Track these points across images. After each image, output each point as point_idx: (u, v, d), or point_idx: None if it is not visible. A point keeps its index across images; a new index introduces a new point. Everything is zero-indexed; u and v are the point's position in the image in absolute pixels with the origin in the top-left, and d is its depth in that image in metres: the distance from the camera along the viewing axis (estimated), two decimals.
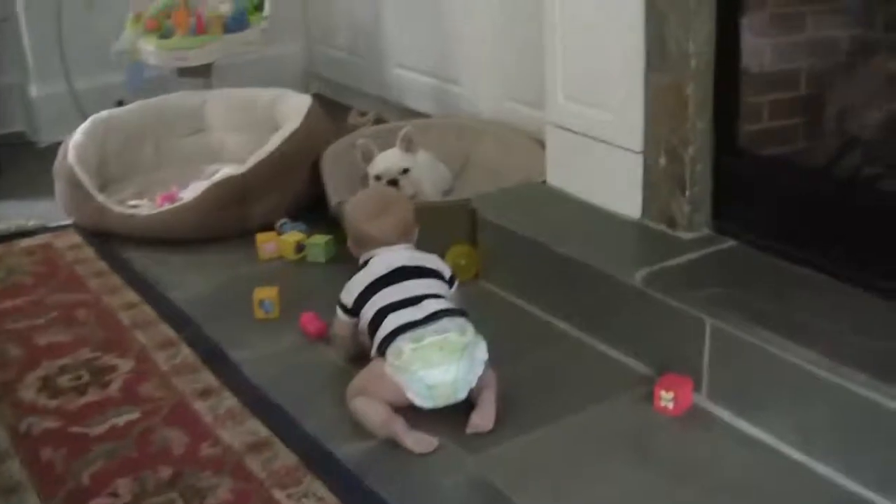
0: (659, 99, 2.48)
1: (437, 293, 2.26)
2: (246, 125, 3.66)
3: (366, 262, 2.35)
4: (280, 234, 3.14)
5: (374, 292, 2.26)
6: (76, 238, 3.25)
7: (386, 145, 3.21)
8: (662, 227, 2.56)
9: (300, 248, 3.06)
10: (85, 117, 3.60)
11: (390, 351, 2.14)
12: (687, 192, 2.48)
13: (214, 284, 2.92)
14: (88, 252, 3.15)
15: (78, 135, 3.41)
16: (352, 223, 2.41)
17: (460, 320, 2.20)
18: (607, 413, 2.23)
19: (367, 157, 3.12)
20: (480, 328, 2.25)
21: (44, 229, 3.34)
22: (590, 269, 2.47)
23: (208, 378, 2.39)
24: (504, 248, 2.77)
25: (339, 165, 3.33)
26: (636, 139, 2.57)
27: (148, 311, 2.74)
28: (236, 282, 2.92)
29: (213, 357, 2.49)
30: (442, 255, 2.81)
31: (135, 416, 2.25)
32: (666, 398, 2.21)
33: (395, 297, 2.23)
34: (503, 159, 3.36)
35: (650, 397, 2.23)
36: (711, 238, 2.49)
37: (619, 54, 2.54)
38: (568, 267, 2.54)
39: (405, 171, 3.07)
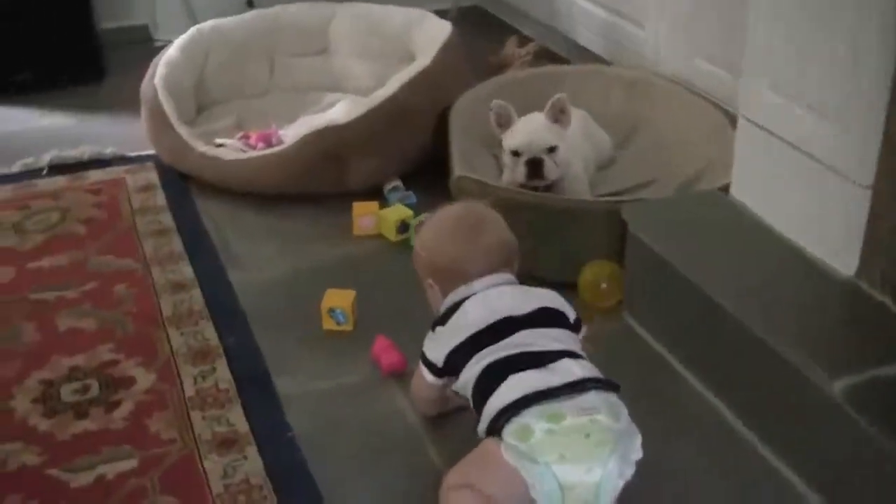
0: None
1: (572, 350, 1.61)
2: (375, 51, 3.03)
3: (456, 306, 1.69)
4: (385, 204, 2.53)
5: (478, 349, 1.61)
6: (152, 176, 2.73)
7: (535, 94, 2.54)
8: (885, 300, 1.80)
9: (403, 227, 2.45)
10: (195, 22, 3.04)
11: (512, 430, 1.48)
12: None
13: (288, 265, 2.35)
14: (159, 198, 2.63)
15: (172, 49, 2.85)
16: (429, 251, 1.76)
17: (612, 397, 1.54)
18: None
19: (504, 123, 2.44)
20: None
21: (121, 159, 2.83)
22: (768, 351, 1.76)
23: (237, 418, 1.83)
24: (658, 280, 2.07)
25: (474, 121, 2.67)
26: (865, 168, 1.80)
27: (197, 297, 2.20)
28: (316, 265, 2.35)
29: (253, 384, 1.93)
30: (576, 272, 2.18)
31: (130, 465, 1.72)
32: None
33: (513, 352, 1.59)
34: (681, 132, 2.64)
35: None
36: None
37: (860, 40, 1.76)
38: (739, 336, 1.83)
39: (552, 149, 2.38)
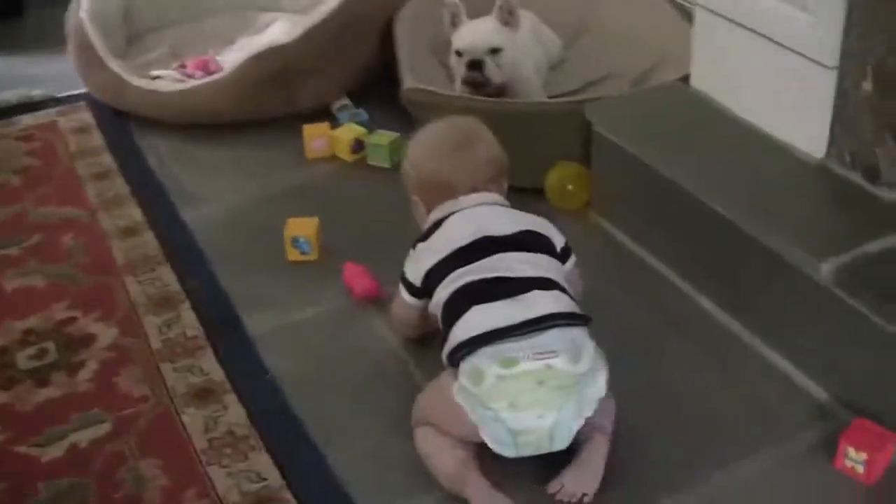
0: None
1: (548, 277, 1.54)
2: None
3: (439, 223, 1.63)
4: (335, 124, 2.43)
5: (454, 267, 1.55)
6: (87, 116, 2.61)
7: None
8: (856, 178, 1.78)
9: (358, 146, 2.36)
10: None
11: (466, 369, 1.44)
12: None
13: (242, 196, 2.26)
14: (97, 139, 2.51)
15: None
16: (416, 165, 1.70)
17: (577, 334, 1.47)
18: (766, 470, 1.54)
19: (456, 23, 2.37)
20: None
21: (52, 101, 2.69)
22: (749, 239, 1.73)
23: (210, 365, 1.76)
24: (626, 177, 2.02)
25: (419, 31, 2.57)
26: (829, 49, 1.75)
27: (150, 241, 2.11)
28: (272, 193, 2.26)
29: (223, 327, 1.86)
30: (540, 177, 2.12)
31: (103, 430, 1.65)
32: (855, 458, 1.51)
33: (486, 275, 1.52)
34: (632, 27, 2.57)
35: (830, 445, 1.54)
36: None
37: None
38: (719, 227, 1.79)
39: (495, 50, 2.30)
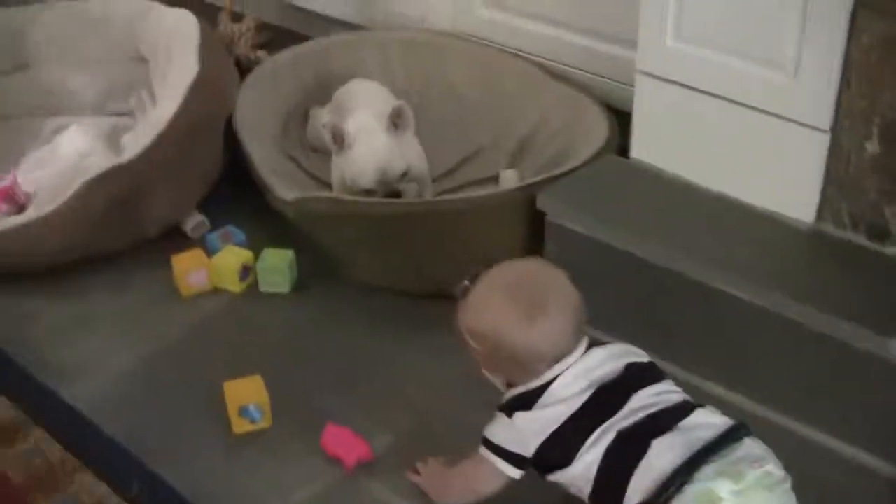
0: (876, 52, 1.58)
1: (688, 398, 1.37)
2: (95, 56, 2.44)
3: (540, 389, 1.35)
4: (207, 250, 2.04)
5: (592, 426, 1.30)
6: None
7: (310, 76, 2.30)
8: (858, 240, 1.71)
9: (245, 273, 2.00)
10: None
11: (692, 498, 1.23)
12: None
13: (128, 360, 1.82)
14: None
15: None
16: (487, 344, 1.37)
17: (759, 442, 1.31)
18: None
19: (340, 141, 2.02)
20: None
21: None
22: (764, 315, 1.60)
23: None
24: (592, 268, 1.81)
25: (259, 125, 2.24)
26: (821, 111, 1.66)
27: (44, 442, 1.63)
28: (162, 349, 1.85)
29: None
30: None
31: None
32: None
33: (636, 418, 1.31)
34: (487, 89, 2.37)
35: None
36: None
37: None
38: (718, 306, 1.66)
39: (405, 174, 2.02)
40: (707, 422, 1.30)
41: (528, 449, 1.34)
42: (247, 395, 1.65)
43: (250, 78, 2.32)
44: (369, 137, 1.98)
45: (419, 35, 2.50)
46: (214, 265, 1.98)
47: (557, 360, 1.34)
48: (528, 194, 1.88)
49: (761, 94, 1.72)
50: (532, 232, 1.90)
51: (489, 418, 1.61)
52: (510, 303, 1.34)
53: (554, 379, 1.33)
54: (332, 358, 1.82)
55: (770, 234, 1.76)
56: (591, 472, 1.30)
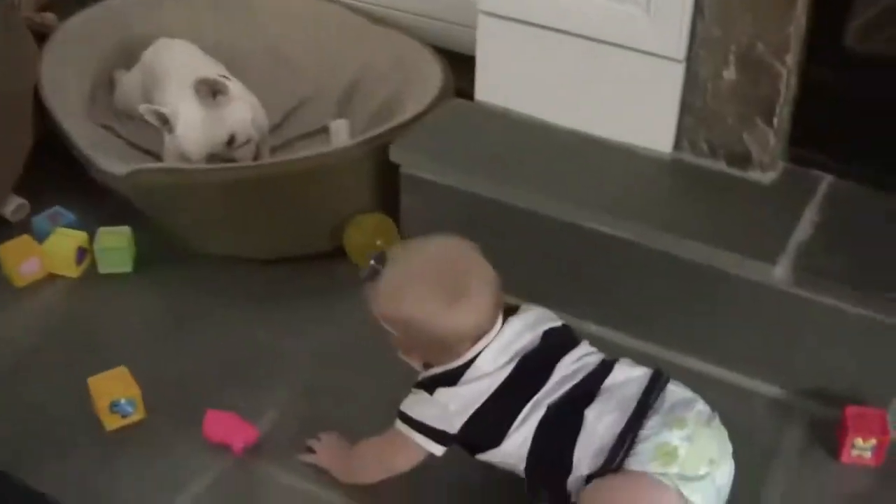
0: None
1: (606, 359, 1.35)
2: None
3: (464, 368, 1.29)
4: (36, 235, 1.86)
5: (520, 403, 1.27)
6: None
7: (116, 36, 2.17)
8: (718, 167, 1.75)
9: (82, 255, 1.83)
10: None
11: (648, 457, 1.22)
12: (775, 119, 1.67)
13: None
14: None
15: None
16: (405, 327, 1.30)
17: (679, 384, 1.32)
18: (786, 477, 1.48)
19: (164, 122, 1.88)
20: None
21: None
22: (650, 254, 1.62)
23: None
24: (450, 216, 1.78)
25: (70, 91, 2.06)
26: (674, 42, 1.68)
27: None
28: (11, 352, 1.66)
29: None
30: (335, 238, 1.83)
31: None
32: (862, 447, 1.50)
33: (563, 390, 1.28)
34: (301, 41, 2.26)
35: (817, 439, 1.53)
36: (794, 176, 1.73)
37: None
38: (596, 247, 1.67)
39: (231, 141, 1.89)
40: (629, 377, 1.29)
41: (453, 426, 1.29)
42: (115, 388, 1.52)
43: (47, 46, 2.11)
44: (186, 115, 1.85)
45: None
46: (47, 251, 1.80)
47: (479, 338, 1.29)
48: (373, 147, 1.81)
49: (613, 28, 1.72)
50: (384, 185, 1.83)
51: (376, 387, 1.58)
52: (431, 290, 1.27)
53: (475, 357, 1.28)
54: (198, 337, 1.70)
55: (630, 167, 1.77)
56: (523, 449, 1.27)
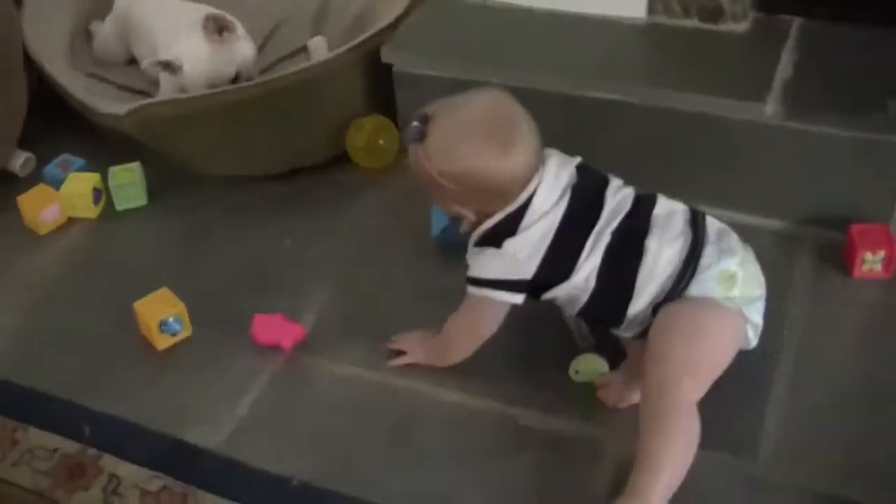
0: None
1: (641, 192, 1.42)
2: None
3: (522, 210, 1.35)
4: (50, 183, 1.91)
5: (582, 237, 1.34)
6: None
7: None
8: (692, 24, 1.82)
9: (98, 195, 1.89)
10: None
11: (711, 284, 1.32)
12: None
13: (18, 315, 1.68)
14: None
15: None
16: (457, 178, 1.34)
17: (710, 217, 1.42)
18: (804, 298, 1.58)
19: (172, 68, 1.93)
20: None
21: None
22: (644, 112, 1.70)
23: None
24: None
25: (53, 44, 2.10)
26: None
27: None
28: (49, 295, 1.72)
29: (171, 459, 1.42)
30: (337, 144, 1.90)
31: None
32: (873, 260, 1.60)
33: (620, 218, 1.36)
34: None
35: (827, 262, 1.64)
36: (766, 23, 1.81)
37: None
38: (596, 113, 1.74)
39: (236, 76, 1.95)
40: (672, 209, 1.38)
41: (528, 271, 1.35)
42: (162, 309, 1.58)
43: (25, 3, 2.15)
44: (193, 52, 1.90)
45: None
46: (64, 195, 1.86)
47: (529, 180, 1.35)
48: (362, 52, 1.88)
49: None
50: (377, 88, 1.90)
51: (404, 279, 1.67)
52: (485, 139, 1.32)
53: (530, 198, 1.34)
54: (225, 253, 1.77)
55: (611, 36, 1.84)
56: (591, 279, 1.34)
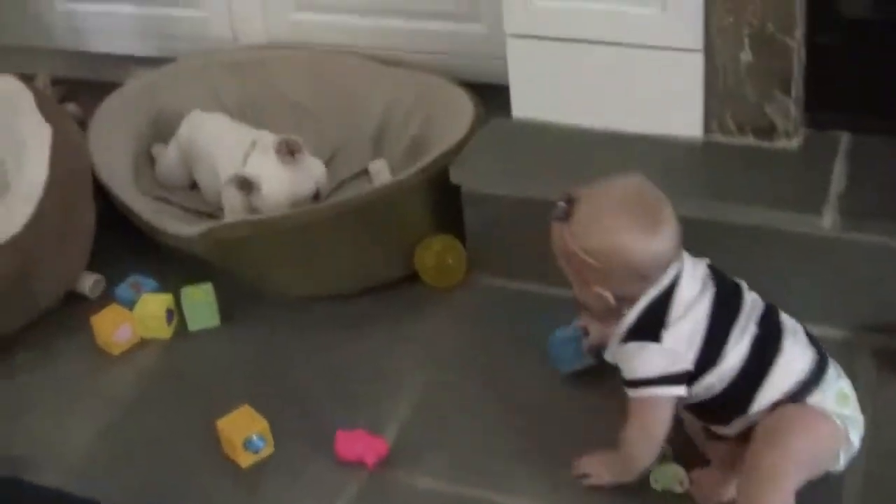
0: None
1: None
2: None
3: (667, 296, 1.38)
4: (122, 304, 1.96)
5: (728, 325, 1.38)
6: None
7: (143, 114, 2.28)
8: (748, 141, 1.90)
9: (171, 315, 1.94)
10: None
11: (832, 399, 1.38)
12: (792, 90, 1.83)
13: (94, 432, 1.72)
14: None
15: None
16: (606, 256, 1.36)
17: None
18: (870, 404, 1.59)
19: (251, 186, 2.00)
20: None
21: None
22: (715, 226, 1.75)
23: None
24: (524, 225, 1.89)
25: (119, 169, 2.17)
26: (691, 33, 1.84)
27: None
28: (126, 412, 1.76)
29: None
30: (406, 265, 1.96)
31: None
32: None
33: (758, 314, 1.42)
34: (324, 94, 2.38)
35: (890, 368, 1.67)
36: (818, 139, 1.89)
37: None
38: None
39: (317, 193, 2.04)
40: (794, 323, 1.43)
41: (688, 361, 1.37)
42: (245, 426, 1.62)
43: (91, 128, 2.23)
44: (272, 176, 1.98)
45: (238, 54, 2.48)
46: (138, 316, 1.91)
47: (670, 263, 1.37)
48: (430, 174, 1.94)
49: (634, 30, 1.87)
50: (444, 208, 1.97)
51: (482, 389, 1.71)
52: (633, 218, 1.35)
53: (674, 285, 1.37)
54: (301, 370, 1.81)
55: (668, 153, 1.91)
56: (735, 369, 1.37)
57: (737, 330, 1.38)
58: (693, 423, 1.51)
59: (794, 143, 1.87)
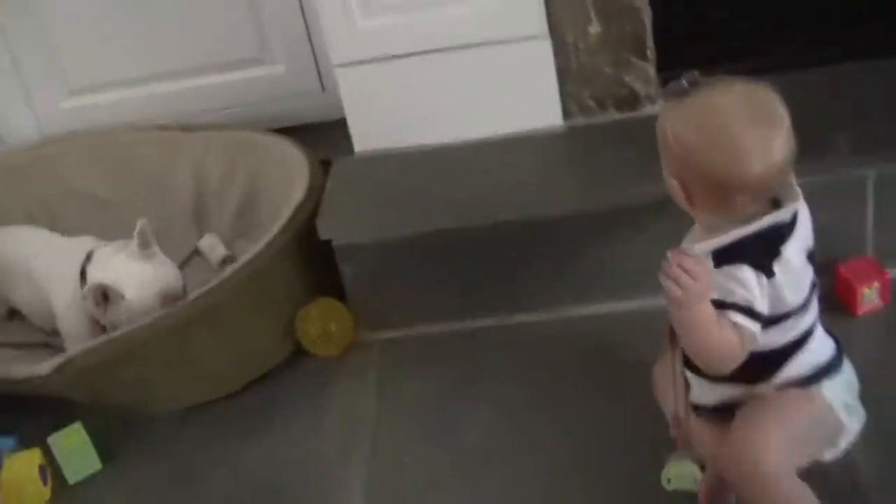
0: None
1: None
2: None
3: (782, 230, 1.23)
4: None
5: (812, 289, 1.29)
6: None
7: None
8: (613, 116, 1.83)
9: (44, 473, 1.63)
10: None
11: (844, 386, 1.32)
12: (648, 52, 1.76)
13: None
14: None
15: None
16: (702, 161, 1.19)
17: None
18: None
19: (108, 297, 1.69)
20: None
21: None
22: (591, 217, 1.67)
23: None
24: (407, 265, 1.75)
25: None
26: (533, 18, 1.74)
27: None
28: None
29: None
30: (291, 328, 1.76)
31: None
32: (870, 294, 1.62)
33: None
34: (165, 175, 2.11)
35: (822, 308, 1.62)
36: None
37: None
38: (551, 234, 1.69)
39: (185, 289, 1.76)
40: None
41: (766, 306, 1.22)
42: None
43: None
44: (134, 275, 1.69)
45: (15, 157, 2.19)
46: (6, 484, 1.60)
47: (764, 195, 1.21)
48: (292, 233, 1.75)
49: (470, 30, 1.75)
50: (311, 270, 1.78)
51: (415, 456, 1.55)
52: (746, 123, 1.18)
53: (794, 221, 1.23)
54: (214, 485, 1.59)
55: (530, 151, 1.80)
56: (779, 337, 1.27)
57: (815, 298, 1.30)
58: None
59: (658, 107, 1.80)
